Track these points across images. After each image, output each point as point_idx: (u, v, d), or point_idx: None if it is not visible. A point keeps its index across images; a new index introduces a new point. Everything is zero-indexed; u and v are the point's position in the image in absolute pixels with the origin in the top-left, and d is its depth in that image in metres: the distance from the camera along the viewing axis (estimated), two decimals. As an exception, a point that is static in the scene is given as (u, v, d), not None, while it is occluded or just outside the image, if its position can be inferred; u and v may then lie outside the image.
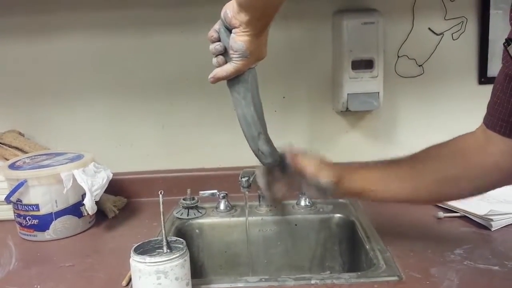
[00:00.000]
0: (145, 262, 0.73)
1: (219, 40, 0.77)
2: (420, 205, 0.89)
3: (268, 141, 0.85)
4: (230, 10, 0.72)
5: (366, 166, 0.90)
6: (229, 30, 0.75)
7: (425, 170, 0.84)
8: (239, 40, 0.73)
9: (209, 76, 0.79)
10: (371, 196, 0.87)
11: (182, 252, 0.75)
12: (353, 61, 1.18)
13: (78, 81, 1.27)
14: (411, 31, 1.22)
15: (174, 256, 0.74)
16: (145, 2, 1.23)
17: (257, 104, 0.83)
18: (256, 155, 0.85)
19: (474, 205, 1.07)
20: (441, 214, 1.07)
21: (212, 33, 0.77)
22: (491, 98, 0.78)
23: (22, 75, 1.27)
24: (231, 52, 0.75)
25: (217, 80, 0.79)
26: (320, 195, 0.87)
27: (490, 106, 0.78)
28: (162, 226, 0.78)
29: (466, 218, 1.05)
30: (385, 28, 1.18)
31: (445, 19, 1.22)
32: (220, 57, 0.77)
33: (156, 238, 0.79)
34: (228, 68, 0.76)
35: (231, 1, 0.73)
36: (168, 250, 0.76)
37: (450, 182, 0.83)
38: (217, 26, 0.77)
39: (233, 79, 0.79)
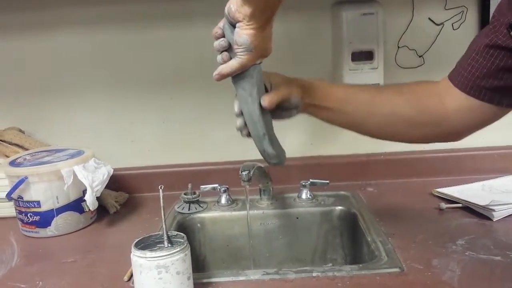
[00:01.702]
0: (146, 257, 0.73)
1: (223, 37, 0.76)
2: (366, 136, 0.90)
3: (274, 141, 0.84)
4: (233, 5, 0.72)
5: (329, 84, 0.90)
6: (233, 26, 0.74)
7: (384, 102, 0.85)
8: (243, 33, 0.72)
9: (214, 73, 0.78)
10: (326, 115, 0.87)
11: (183, 247, 0.75)
12: (353, 52, 1.17)
13: (78, 77, 1.27)
14: (411, 21, 1.21)
15: (174, 250, 0.73)
16: (143, -3, 1.22)
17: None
18: (262, 155, 0.85)
19: (476, 196, 1.07)
20: (443, 205, 1.07)
21: (216, 30, 0.77)
22: (465, 57, 0.80)
23: (22, 72, 1.27)
24: (235, 47, 0.74)
25: (222, 77, 0.78)
26: (286, 115, 0.86)
27: (462, 65, 0.80)
28: (163, 221, 0.78)
29: (468, 209, 1.05)
30: (384, 19, 1.18)
31: (445, 8, 1.21)
32: (225, 54, 0.77)
33: (157, 233, 0.79)
34: (233, 63, 0.76)
35: None
36: (169, 245, 0.77)
37: (401, 121, 0.84)
38: (221, 23, 0.76)
39: (238, 75, 0.78)
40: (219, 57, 0.78)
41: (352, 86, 0.91)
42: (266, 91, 0.82)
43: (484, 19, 1.20)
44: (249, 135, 0.83)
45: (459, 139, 0.86)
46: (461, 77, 0.79)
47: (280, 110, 0.84)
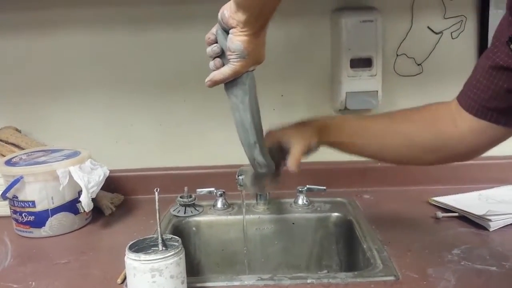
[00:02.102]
0: (140, 260, 0.72)
1: (216, 42, 0.76)
2: (383, 162, 0.95)
3: (264, 151, 0.84)
4: (227, 10, 0.71)
5: (341, 118, 0.94)
6: (226, 32, 0.74)
7: (397, 131, 0.86)
8: (236, 40, 0.72)
9: (206, 80, 0.78)
10: (342, 148, 0.90)
11: (177, 250, 0.74)
12: (351, 59, 1.17)
13: (76, 78, 1.26)
14: (410, 29, 1.22)
15: (169, 254, 0.73)
16: (143, -1, 1.22)
17: (255, 109, 0.81)
18: (251, 164, 0.85)
19: (473, 206, 1.07)
20: (440, 214, 1.07)
21: (209, 35, 0.76)
22: (471, 78, 0.80)
23: (20, 71, 1.27)
24: (228, 53, 0.74)
25: (214, 83, 0.78)
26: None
27: (468, 87, 0.79)
28: (158, 224, 0.77)
29: (464, 218, 1.05)
30: (384, 27, 1.18)
31: (444, 17, 1.21)
32: (218, 60, 0.76)
33: (151, 236, 0.79)
34: (226, 70, 0.75)
35: (228, 2, 0.72)
36: (163, 248, 0.76)
37: (417, 148, 0.85)
38: (214, 29, 0.76)
39: (230, 82, 0.78)
40: (211, 63, 0.77)
41: (364, 118, 0.93)
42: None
43: (483, 29, 1.21)
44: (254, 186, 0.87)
45: (472, 159, 0.85)
46: (468, 99, 0.78)
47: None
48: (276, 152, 0.88)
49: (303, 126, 0.89)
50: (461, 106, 0.80)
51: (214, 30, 0.76)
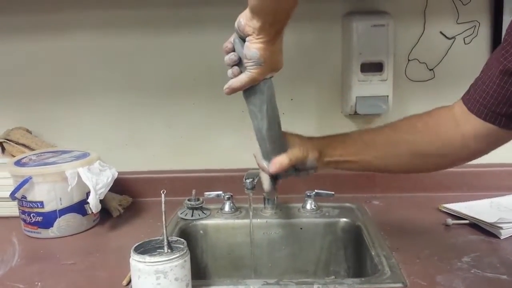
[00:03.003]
0: (145, 262, 0.72)
1: (233, 51, 0.76)
2: (389, 173, 0.95)
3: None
4: (243, 19, 0.72)
5: (344, 136, 0.91)
6: (243, 40, 0.74)
7: (400, 142, 0.86)
8: (252, 47, 0.72)
9: (224, 87, 0.78)
10: (348, 166, 0.89)
11: (182, 253, 0.74)
12: (362, 63, 1.16)
13: (87, 80, 1.27)
14: (422, 34, 1.21)
15: (174, 256, 0.73)
16: (152, 2, 1.22)
17: (272, 118, 0.81)
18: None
19: (484, 213, 1.05)
20: (450, 221, 1.05)
21: (227, 44, 0.77)
22: (479, 81, 0.78)
23: (31, 73, 1.28)
24: (245, 60, 0.74)
25: (232, 91, 0.78)
26: (303, 175, 0.89)
27: (477, 90, 0.78)
28: (164, 226, 0.77)
29: (475, 225, 1.03)
30: (395, 31, 1.17)
31: (457, 23, 1.20)
32: (235, 68, 0.77)
33: (157, 238, 0.78)
34: (243, 78, 0.76)
35: (244, 11, 0.73)
36: (168, 250, 0.76)
37: (422, 156, 0.85)
38: (232, 37, 0.77)
39: (248, 90, 0.78)
40: (229, 72, 0.78)
41: (366, 132, 0.92)
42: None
43: (496, 34, 1.19)
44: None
45: (469, 161, 0.86)
46: (477, 103, 0.78)
47: (297, 171, 0.87)
48: None
49: (307, 140, 0.89)
50: (469, 110, 0.79)
51: (231, 38, 0.77)
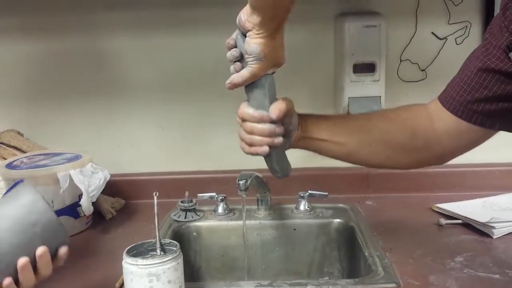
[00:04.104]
0: (137, 265, 0.72)
1: (235, 47, 0.76)
2: (359, 165, 0.91)
3: (283, 155, 0.84)
4: (243, 14, 0.73)
5: (319, 116, 0.89)
6: (244, 35, 0.74)
7: (372, 129, 0.86)
8: (253, 42, 0.73)
9: (226, 82, 0.78)
10: (320, 146, 0.87)
11: (175, 255, 0.74)
12: (354, 64, 1.17)
13: (78, 82, 1.26)
14: (414, 35, 1.21)
15: (166, 258, 0.72)
16: (144, 3, 1.22)
17: None
18: (269, 169, 0.85)
19: (476, 213, 1.06)
20: (443, 221, 1.06)
21: (229, 40, 0.77)
22: (456, 78, 0.79)
23: (22, 75, 1.27)
24: (246, 56, 0.75)
25: (233, 86, 0.78)
26: (286, 138, 0.84)
27: (453, 88, 0.79)
28: (156, 228, 0.76)
29: (467, 225, 1.03)
30: (387, 32, 1.17)
31: (448, 23, 1.21)
32: (237, 64, 0.77)
33: (149, 240, 0.78)
34: (244, 73, 0.76)
35: (245, 6, 0.73)
36: (161, 253, 0.75)
37: (394, 147, 0.84)
38: (234, 34, 0.77)
39: (250, 85, 0.78)
40: (231, 68, 0.78)
41: (341, 116, 0.92)
42: None
43: (488, 35, 1.20)
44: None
45: (448, 161, 0.86)
46: (453, 100, 0.78)
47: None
48: None
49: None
50: (444, 107, 0.79)
51: (234, 35, 0.77)
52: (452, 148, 0.82)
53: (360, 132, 0.86)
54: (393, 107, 0.88)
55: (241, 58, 0.76)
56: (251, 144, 0.81)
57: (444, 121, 0.79)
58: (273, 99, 0.80)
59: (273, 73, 0.79)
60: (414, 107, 0.86)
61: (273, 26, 0.71)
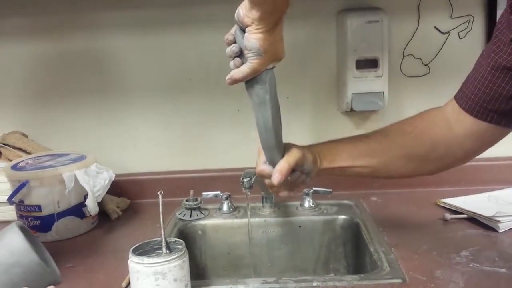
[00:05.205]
0: (143, 263, 0.72)
1: (235, 42, 0.76)
2: (390, 179, 0.93)
3: (283, 152, 0.84)
4: (242, 9, 0.72)
5: (337, 142, 0.91)
6: (243, 31, 0.74)
7: (392, 146, 0.86)
8: (252, 38, 0.72)
9: (226, 78, 0.78)
10: (344, 172, 0.89)
11: (181, 253, 0.74)
12: (357, 60, 1.16)
13: (82, 82, 1.27)
14: (416, 29, 1.20)
15: (172, 257, 0.73)
16: (147, 2, 1.22)
17: (275, 109, 0.81)
18: (270, 163, 0.85)
19: (482, 207, 1.05)
20: (448, 215, 1.05)
21: (228, 36, 0.77)
22: (470, 78, 0.79)
23: (26, 76, 1.27)
24: (245, 51, 0.74)
25: (233, 81, 0.78)
26: (301, 181, 0.87)
27: (468, 87, 0.78)
28: (162, 227, 0.77)
29: (473, 219, 1.03)
30: (390, 27, 1.17)
31: (451, 17, 1.20)
32: (237, 59, 0.77)
33: (155, 239, 0.78)
34: (244, 68, 0.76)
35: (243, 1, 0.73)
36: (167, 251, 0.76)
37: (416, 159, 0.85)
38: (233, 29, 0.77)
39: (250, 81, 0.78)
40: (231, 63, 0.78)
41: (359, 138, 0.91)
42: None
43: (490, 29, 1.19)
44: None
45: (470, 160, 0.86)
46: (469, 100, 0.78)
47: (294, 180, 0.86)
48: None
49: (303, 147, 0.88)
50: (460, 108, 0.79)
51: (232, 30, 0.76)
52: (474, 149, 0.82)
53: (381, 151, 0.87)
54: (410, 116, 0.88)
55: (240, 54, 0.76)
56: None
57: (464, 124, 0.79)
58: (274, 96, 0.80)
59: (273, 67, 0.78)
60: (431, 114, 0.85)
61: (272, 21, 0.71)
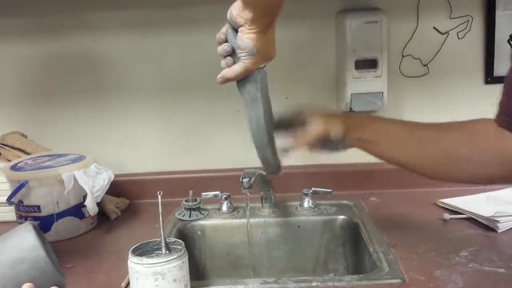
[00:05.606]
0: (143, 264, 0.72)
1: (226, 41, 0.76)
2: (418, 174, 0.86)
3: (275, 150, 0.84)
4: (235, 9, 0.73)
5: (382, 119, 0.88)
6: (235, 30, 0.75)
7: (441, 139, 0.81)
8: (245, 38, 0.73)
9: (218, 77, 0.78)
10: (378, 150, 0.84)
11: (180, 254, 0.74)
12: (356, 60, 1.16)
13: (81, 82, 1.27)
14: (415, 30, 1.21)
15: (172, 257, 0.73)
16: (147, 3, 1.22)
17: (267, 107, 0.81)
18: (262, 162, 0.85)
19: (481, 207, 1.05)
20: (447, 216, 1.06)
21: (220, 35, 0.77)
22: (504, 97, 0.75)
23: (25, 77, 1.27)
24: (238, 51, 0.75)
25: (225, 80, 0.78)
26: (331, 149, 0.85)
27: (505, 107, 0.75)
28: (161, 227, 0.77)
29: (472, 220, 1.03)
30: (389, 27, 1.17)
31: (450, 17, 1.20)
32: (229, 58, 0.77)
33: (154, 239, 0.78)
34: (236, 68, 0.76)
35: (236, 1, 0.73)
36: (166, 252, 0.76)
37: (458, 159, 0.79)
38: (224, 28, 0.77)
39: (242, 80, 0.79)
40: (223, 62, 0.78)
41: (412, 123, 0.85)
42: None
43: (489, 29, 1.20)
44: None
45: (490, 184, 0.83)
46: (507, 117, 0.74)
47: (324, 146, 0.84)
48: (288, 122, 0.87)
49: (333, 116, 0.85)
50: (503, 129, 0.75)
51: (224, 29, 0.77)
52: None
53: (427, 143, 0.82)
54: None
55: (232, 53, 0.76)
56: None
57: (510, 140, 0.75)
58: (266, 94, 0.80)
59: (264, 67, 0.79)
60: (483, 120, 0.79)
61: (265, 21, 0.72)
